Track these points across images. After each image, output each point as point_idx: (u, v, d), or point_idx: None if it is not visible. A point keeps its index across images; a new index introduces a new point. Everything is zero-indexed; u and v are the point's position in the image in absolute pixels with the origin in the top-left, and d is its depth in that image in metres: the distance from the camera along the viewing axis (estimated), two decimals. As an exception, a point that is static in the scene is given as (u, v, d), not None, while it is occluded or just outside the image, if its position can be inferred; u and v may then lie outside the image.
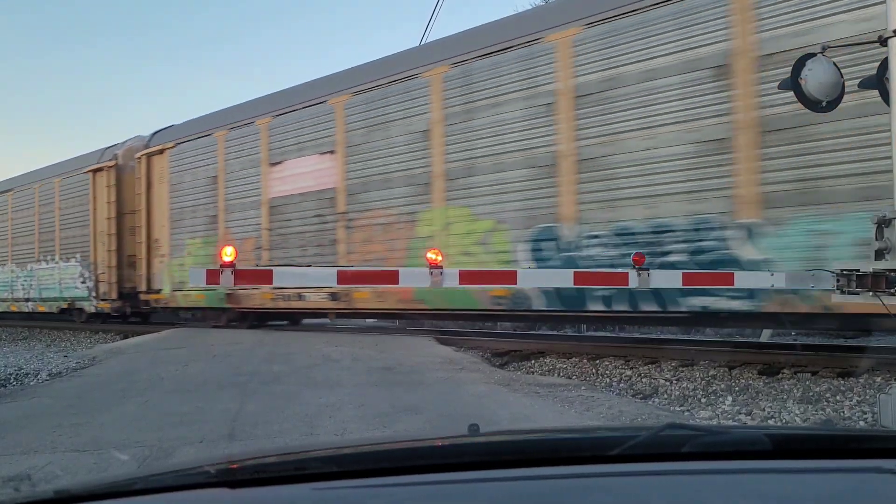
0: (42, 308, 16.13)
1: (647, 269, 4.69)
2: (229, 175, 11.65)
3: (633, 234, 7.17)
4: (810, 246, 6.10)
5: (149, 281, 13.34)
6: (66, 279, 15.30)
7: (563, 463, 1.17)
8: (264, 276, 4.34)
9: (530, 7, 18.68)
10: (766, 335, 9.79)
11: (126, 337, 12.77)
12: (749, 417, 5.30)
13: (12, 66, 62.75)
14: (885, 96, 4.62)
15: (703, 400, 6.02)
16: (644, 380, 6.99)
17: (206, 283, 3.85)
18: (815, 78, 4.78)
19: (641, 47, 7.03)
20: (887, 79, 4.52)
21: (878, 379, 6.06)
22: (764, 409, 5.43)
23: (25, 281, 16.67)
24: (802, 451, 1.27)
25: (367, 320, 12.28)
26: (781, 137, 6.22)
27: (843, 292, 4.60)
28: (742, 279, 5.20)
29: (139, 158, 13.52)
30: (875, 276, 4.41)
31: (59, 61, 65.02)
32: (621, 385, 6.88)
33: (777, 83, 5.88)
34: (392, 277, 4.79)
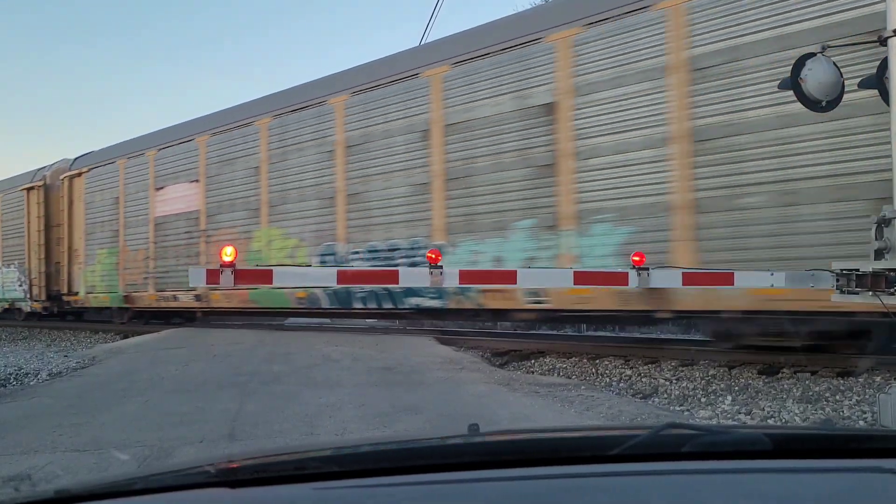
0: (-10, 308, 18.48)
1: (647, 269, 4.70)
2: (127, 197, 13.98)
3: (378, 251, 9.48)
4: (470, 261, 8.43)
5: (69, 284, 15.50)
6: (7, 283, 17.37)
7: (562, 463, 1.17)
8: (264, 276, 4.34)
9: (531, 7, 18.64)
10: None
11: (126, 337, 12.79)
12: (749, 417, 5.30)
13: (12, 66, 62.80)
14: (885, 96, 4.62)
15: (702, 399, 6.02)
16: (644, 379, 6.99)
17: (207, 283, 3.86)
18: (815, 78, 4.78)
19: (385, 112, 9.49)
20: (887, 78, 4.52)
21: (878, 378, 6.06)
22: (763, 409, 5.43)
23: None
24: (802, 450, 1.28)
25: (367, 320, 12.49)
26: (457, 184, 8.69)
27: (842, 292, 4.60)
28: (742, 279, 5.20)
29: (63, 180, 15.73)
30: (875, 275, 4.41)
31: (60, 61, 65.07)
32: (621, 385, 6.88)
33: (456, 145, 8.67)
34: (392, 277, 4.80)
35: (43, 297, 16.05)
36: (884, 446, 1.32)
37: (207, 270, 3.87)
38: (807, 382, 6.20)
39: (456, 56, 8.78)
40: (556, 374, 7.62)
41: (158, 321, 13.85)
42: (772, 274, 5.07)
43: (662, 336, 10.46)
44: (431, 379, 6.75)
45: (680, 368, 7.27)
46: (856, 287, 4.53)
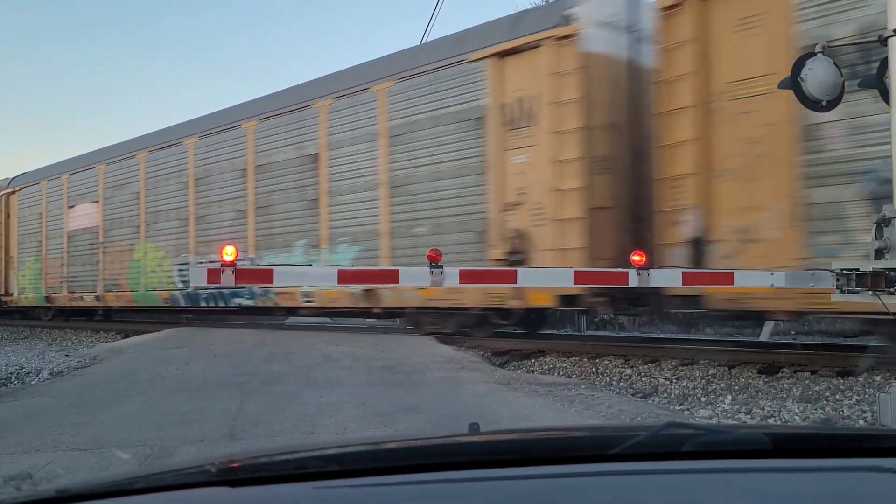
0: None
1: (647, 269, 4.70)
2: (49, 213, 16.69)
3: (214, 262, 10.71)
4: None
5: (6, 287, 18.34)
6: None
7: (563, 462, 1.18)
8: (265, 276, 4.34)
9: (531, 7, 18.62)
10: (765, 334, 9.80)
11: (127, 336, 12.81)
12: (749, 416, 5.31)
13: (12, 66, 62.82)
14: (885, 96, 4.62)
15: (702, 399, 6.02)
16: (644, 379, 6.99)
17: (207, 283, 3.85)
18: (815, 78, 4.77)
19: (219, 155, 12.23)
20: (887, 78, 4.52)
21: (878, 378, 6.06)
22: (763, 408, 5.43)
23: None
24: (802, 450, 1.28)
25: (367, 320, 12.62)
26: (262, 212, 11.36)
27: (842, 291, 4.60)
28: (742, 278, 5.20)
29: (1, 196, 18.54)
30: (874, 275, 4.41)
31: (60, 60, 65.05)
32: (621, 384, 6.88)
33: (261, 182, 11.41)
34: (393, 277, 4.80)
35: None
36: (884, 445, 1.32)
37: (208, 270, 3.85)
38: (807, 382, 6.20)
39: (263, 113, 11.52)
40: (556, 374, 7.62)
41: (79, 318, 16.42)
42: (772, 273, 5.07)
43: (663, 336, 10.47)
44: (432, 378, 6.75)
45: (680, 368, 7.28)
46: (856, 287, 4.53)
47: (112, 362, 8.74)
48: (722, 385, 6.44)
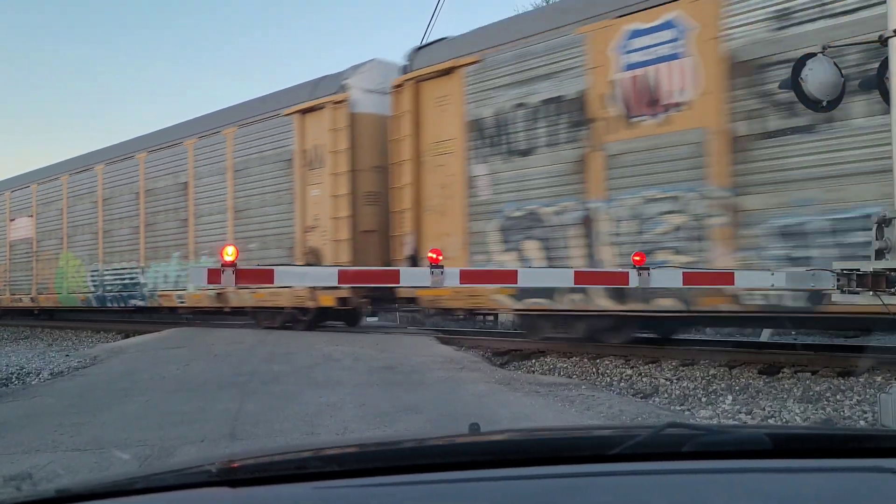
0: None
1: (647, 269, 4.70)
2: None
3: (117, 270, 14.35)
4: (158, 275, 13.30)
5: None
6: None
7: (563, 462, 1.17)
8: (266, 276, 4.33)
9: (532, 8, 18.61)
10: (766, 334, 9.80)
11: (127, 336, 12.82)
12: (749, 417, 5.30)
13: (12, 66, 62.80)
14: (886, 96, 4.62)
15: (703, 399, 6.02)
16: (644, 379, 6.99)
17: (208, 283, 3.84)
18: (816, 78, 4.77)
19: (119, 180, 14.56)
20: (887, 78, 4.52)
21: (879, 378, 6.06)
22: (764, 409, 5.43)
23: None
24: (803, 450, 1.28)
25: (367, 319, 12.85)
26: (149, 229, 13.65)
27: (843, 291, 4.60)
28: (742, 278, 5.20)
29: None
30: (875, 275, 4.41)
31: (60, 60, 65.08)
32: (622, 384, 6.88)
33: (149, 204, 13.73)
34: (393, 277, 4.80)
35: None
36: (884, 446, 1.32)
37: (209, 270, 3.85)
38: (807, 382, 6.20)
39: (151, 146, 13.78)
40: (556, 374, 7.62)
41: (22, 317, 18.46)
42: (772, 274, 5.07)
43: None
44: (432, 378, 6.75)
45: (680, 368, 7.27)
46: (856, 287, 4.53)
47: (112, 362, 8.74)
48: (722, 385, 6.44)
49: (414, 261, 9.06)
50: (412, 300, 9.40)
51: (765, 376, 6.60)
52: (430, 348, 8.80)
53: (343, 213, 10.03)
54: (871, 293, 4.42)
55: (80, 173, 15.63)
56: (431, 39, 9.75)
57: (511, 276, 5.21)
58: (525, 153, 8.08)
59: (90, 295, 14.98)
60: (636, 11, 7.18)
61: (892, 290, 4.32)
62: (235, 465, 1.19)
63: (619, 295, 7.33)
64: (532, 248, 8.07)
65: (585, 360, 8.08)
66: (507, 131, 8.22)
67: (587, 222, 7.56)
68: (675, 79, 6.93)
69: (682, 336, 9.54)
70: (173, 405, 5.60)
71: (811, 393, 5.83)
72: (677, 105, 6.92)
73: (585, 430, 2.12)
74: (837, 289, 4.64)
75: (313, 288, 9.85)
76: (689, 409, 5.72)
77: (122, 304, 14.26)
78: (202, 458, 2.90)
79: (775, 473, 1.15)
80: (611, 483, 1.10)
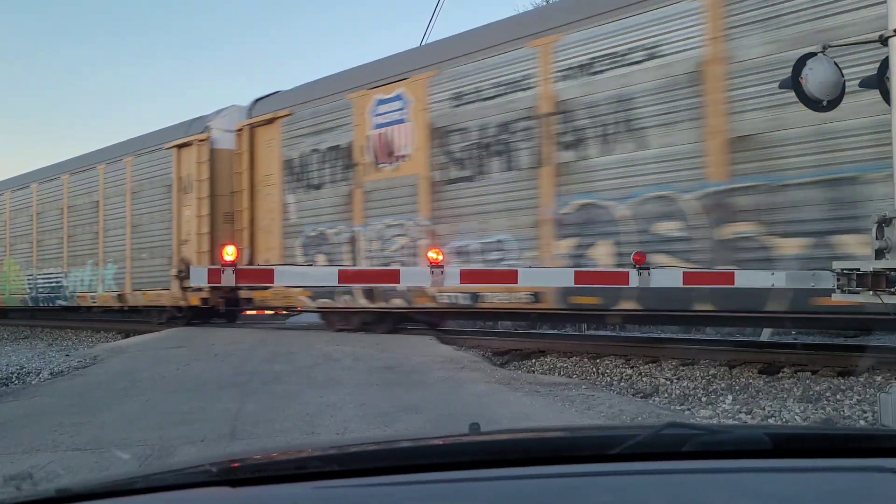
0: None
1: (647, 269, 4.71)
2: None
3: (48, 274, 16.38)
4: (78, 280, 15.30)
5: None
6: None
7: (563, 462, 1.17)
8: (266, 275, 4.34)
9: (532, 8, 18.59)
10: (766, 334, 9.79)
11: (127, 336, 12.82)
12: (749, 416, 5.30)
13: (11, 66, 62.76)
14: (886, 96, 4.61)
15: (703, 399, 6.02)
16: (644, 379, 6.99)
17: (208, 282, 3.85)
18: (816, 77, 4.77)
19: (58, 196, 16.35)
20: (887, 78, 4.52)
21: (878, 378, 6.06)
22: (764, 408, 5.43)
23: None
24: (803, 450, 1.28)
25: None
26: (71, 240, 15.76)
27: (843, 291, 4.60)
28: (742, 278, 5.20)
29: None
30: (875, 275, 4.40)
31: (60, 60, 65.08)
32: (622, 384, 6.88)
33: (72, 218, 15.81)
34: (394, 277, 4.80)
35: None
36: (884, 446, 1.32)
37: (209, 269, 3.86)
38: (807, 382, 6.20)
39: (73, 169, 15.83)
40: (556, 374, 7.61)
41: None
42: (773, 273, 5.07)
43: (663, 336, 10.47)
44: (432, 378, 6.75)
45: (680, 368, 7.27)
46: (856, 287, 4.52)
47: (112, 362, 8.74)
48: (722, 385, 6.44)
49: None
50: (250, 300, 11.73)
51: (765, 376, 6.60)
52: (431, 348, 8.80)
53: (205, 229, 12.35)
54: (871, 293, 4.41)
55: (19, 190, 18.11)
56: (305, 81, 12.05)
57: (511, 275, 5.22)
58: (318, 187, 10.65)
59: (27, 296, 17.24)
60: (382, 85, 9.77)
61: (892, 289, 4.32)
62: (235, 464, 1.19)
63: (371, 295, 9.74)
64: (322, 260, 10.55)
65: (585, 359, 8.08)
66: (307, 170, 10.85)
67: (353, 241, 10.09)
68: (403, 137, 9.49)
69: (681, 336, 9.53)
70: (173, 405, 5.60)
71: (811, 393, 5.83)
72: (403, 156, 9.49)
73: (585, 430, 2.12)
74: (837, 288, 4.64)
75: (185, 289, 12.29)
76: (689, 409, 5.72)
77: (51, 304, 16.52)
78: (202, 457, 2.90)
79: (775, 473, 1.15)
80: (611, 483, 1.10)
